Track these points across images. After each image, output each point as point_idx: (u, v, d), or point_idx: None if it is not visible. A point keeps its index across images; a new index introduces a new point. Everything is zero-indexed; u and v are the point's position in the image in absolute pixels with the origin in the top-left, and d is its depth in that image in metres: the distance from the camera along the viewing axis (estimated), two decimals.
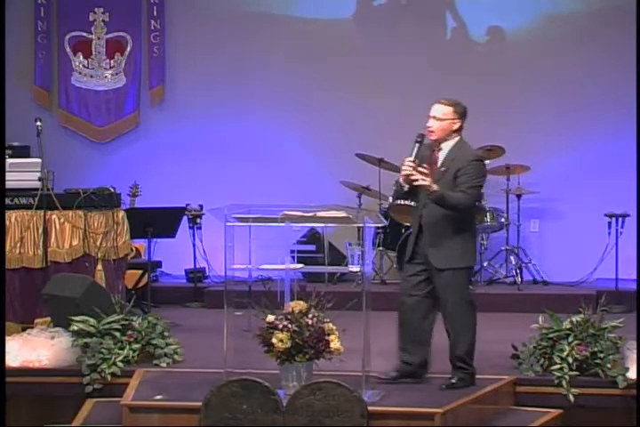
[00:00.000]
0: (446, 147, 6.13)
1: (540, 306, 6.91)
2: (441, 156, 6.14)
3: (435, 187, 5.95)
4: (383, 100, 9.95)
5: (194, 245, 9.70)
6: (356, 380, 5.77)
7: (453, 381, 6.07)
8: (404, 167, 6.02)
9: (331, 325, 5.85)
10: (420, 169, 5.96)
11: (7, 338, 6.73)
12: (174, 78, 10.42)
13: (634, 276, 8.89)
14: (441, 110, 6.11)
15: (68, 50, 10.43)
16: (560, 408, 6.05)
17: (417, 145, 6.06)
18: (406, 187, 6.11)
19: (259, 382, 5.62)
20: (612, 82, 9.74)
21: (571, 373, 6.11)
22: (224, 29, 10.25)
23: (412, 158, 5.99)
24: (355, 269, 6.04)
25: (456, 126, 6.12)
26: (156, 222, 8.43)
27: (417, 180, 5.95)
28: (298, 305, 5.89)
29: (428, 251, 6.07)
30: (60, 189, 7.91)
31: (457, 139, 6.14)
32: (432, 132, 6.11)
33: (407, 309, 6.18)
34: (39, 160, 7.74)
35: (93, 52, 10.46)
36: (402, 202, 9.33)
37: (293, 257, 6.19)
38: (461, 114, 6.14)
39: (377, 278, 9.39)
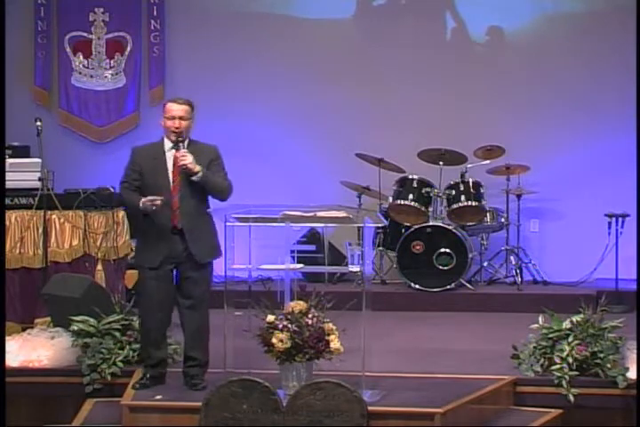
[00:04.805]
0: (185, 145, 6.15)
1: (539, 306, 6.91)
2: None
3: (198, 167, 6.03)
4: (383, 100, 9.95)
5: None
6: (356, 380, 5.77)
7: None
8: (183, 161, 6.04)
9: (331, 325, 5.86)
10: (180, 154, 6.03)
11: (7, 338, 6.74)
12: (174, 78, 10.41)
13: (634, 276, 8.88)
14: (186, 110, 6.14)
15: (67, 50, 10.41)
16: (560, 408, 6.06)
17: (180, 145, 6.10)
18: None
19: (259, 382, 5.62)
20: (612, 82, 9.72)
21: (571, 373, 6.11)
22: (224, 29, 10.23)
23: (185, 151, 6.04)
24: (355, 269, 6.04)
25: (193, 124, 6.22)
26: None
27: (187, 166, 6.01)
28: (298, 305, 5.89)
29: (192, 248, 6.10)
30: (60, 189, 7.92)
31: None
32: (181, 132, 6.11)
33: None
34: (39, 160, 7.74)
35: (93, 52, 10.44)
36: (402, 202, 9.34)
37: (293, 257, 6.19)
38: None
39: (377, 278, 9.38)
